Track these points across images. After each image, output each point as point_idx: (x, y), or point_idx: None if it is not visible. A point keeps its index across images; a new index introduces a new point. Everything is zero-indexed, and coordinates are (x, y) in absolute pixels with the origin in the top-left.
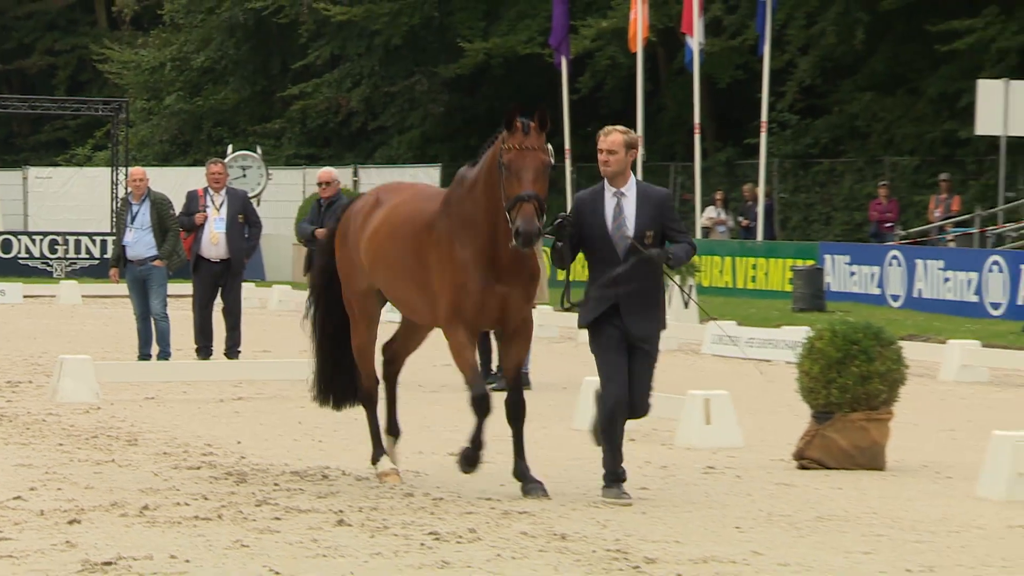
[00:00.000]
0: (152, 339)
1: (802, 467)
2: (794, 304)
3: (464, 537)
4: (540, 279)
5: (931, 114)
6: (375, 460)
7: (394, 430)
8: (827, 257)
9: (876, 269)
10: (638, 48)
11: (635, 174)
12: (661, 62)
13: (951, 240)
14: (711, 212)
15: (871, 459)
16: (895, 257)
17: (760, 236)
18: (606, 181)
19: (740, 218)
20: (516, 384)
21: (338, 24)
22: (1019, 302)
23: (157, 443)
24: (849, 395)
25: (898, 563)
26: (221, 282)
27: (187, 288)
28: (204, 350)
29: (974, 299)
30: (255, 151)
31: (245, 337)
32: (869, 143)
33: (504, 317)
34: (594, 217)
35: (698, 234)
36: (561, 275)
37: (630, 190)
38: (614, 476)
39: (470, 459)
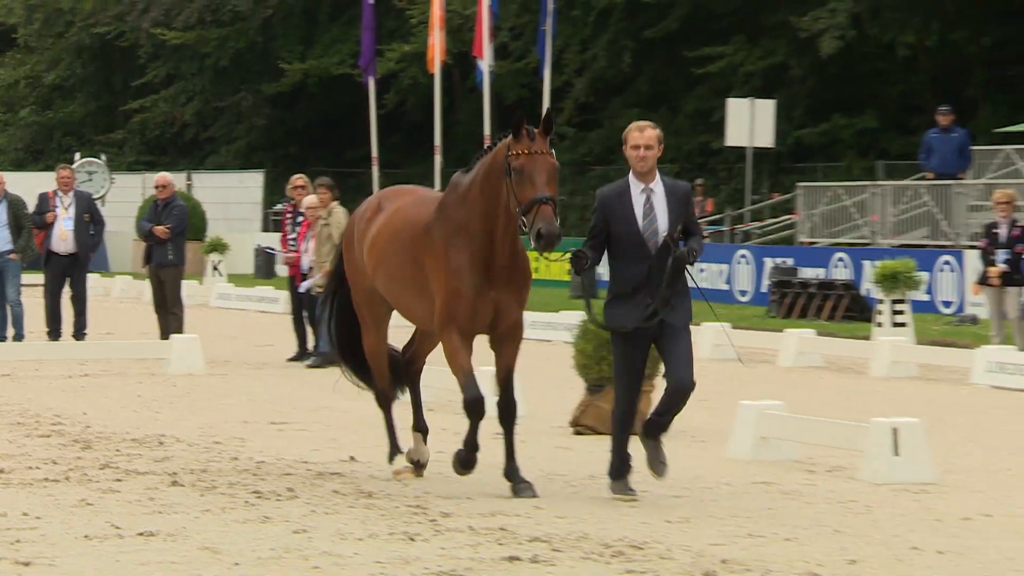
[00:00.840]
0: (8, 323)
1: (577, 432)
2: (571, 292)
3: (283, 495)
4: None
5: (688, 128)
6: (391, 458)
7: (422, 427)
8: None
9: None
10: (436, 69)
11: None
12: (456, 81)
13: (706, 236)
14: None
15: (636, 425)
16: None
17: None
18: (632, 177)
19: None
20: (508, 386)
21: (173, 47)
22: (763, 290)
23: (11, 414)
24: None
25: (659, 515)
26: (69, 273)
27: (39, 278)
28: (54, 333)
29: (725, 287)
30: (100, 158)
31: (90, 321)
32: None
33: (496, 321)
34: (622, 213)
35: None
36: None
37: (658, 186)
38: (619, 472)
39: (464, 461)
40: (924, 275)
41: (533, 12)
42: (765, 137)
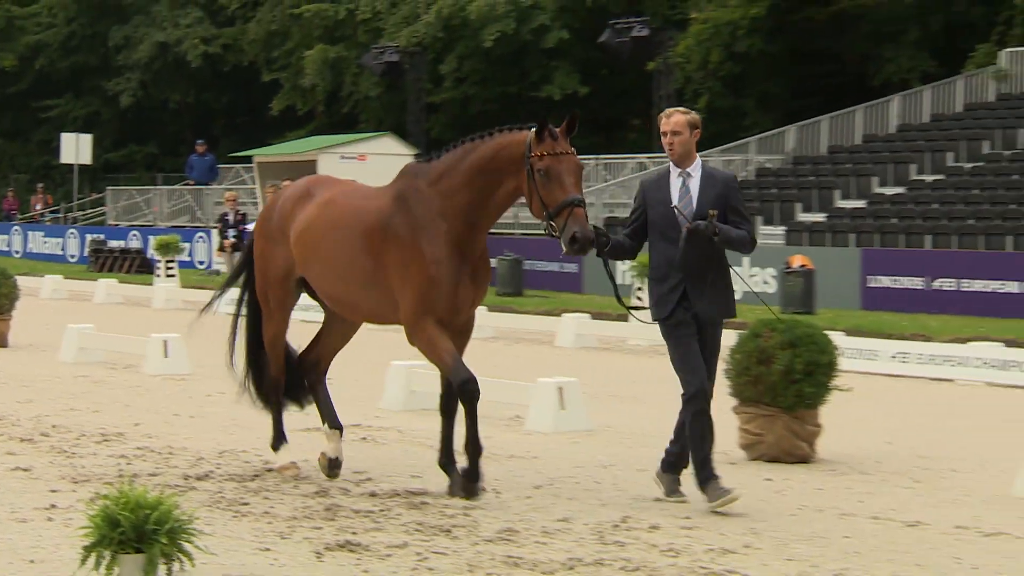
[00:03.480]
0: None
1: None
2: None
3: None
4: None
5: (37, 151)
6: (275, 448)
7: (336, 423)
8: None
9: (5, 237)
10: None
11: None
12: None
13: (48, 220)
14: None
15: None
16: (16, 230)
17: None
18: (672, 163)
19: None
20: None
21: None
22: (85, 254)
23: None
24: None
25: (11, 397)
26: None
27: None
28: None
29: (61, 252)
30: None
31: None
32: (1, 166)
33: (463, 313)
34: (658, 196)
35: None
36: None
37: (696, 170)
38: (710, 474)
39: (472, 475)
40: (186, 245)
41: None
42: (86, 157)
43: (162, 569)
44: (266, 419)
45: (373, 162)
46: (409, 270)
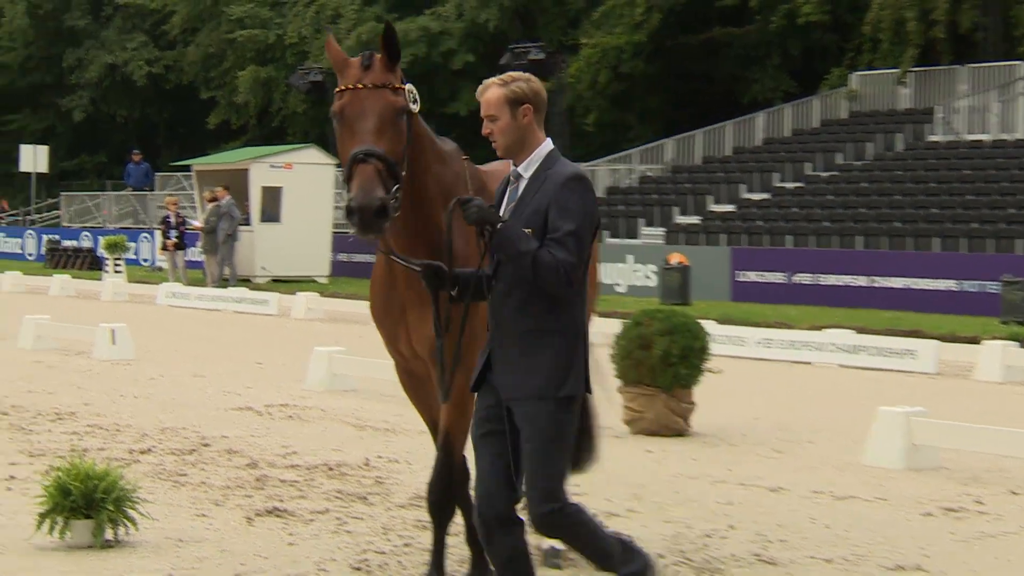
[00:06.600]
0: None
1: None
2: None
3: None
4: None
5: None
6: None
7: None
8: None
9: None
10: None
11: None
12: None
13: (7, 223)
14: None
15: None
16: None
17: None
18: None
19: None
20: None
21: None
22: (43, 252)
23: None
24: None
25: None
26: None
27: None
28: None
29: (20, 251)
30: None
31: None
32: None
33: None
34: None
35: None
36: None
37: (528, 169)
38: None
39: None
40: (132, 244)
41: None
42: (43, 166)
43: (109, 532)
44: (211, 399)
45: (299, 170)
46: None
